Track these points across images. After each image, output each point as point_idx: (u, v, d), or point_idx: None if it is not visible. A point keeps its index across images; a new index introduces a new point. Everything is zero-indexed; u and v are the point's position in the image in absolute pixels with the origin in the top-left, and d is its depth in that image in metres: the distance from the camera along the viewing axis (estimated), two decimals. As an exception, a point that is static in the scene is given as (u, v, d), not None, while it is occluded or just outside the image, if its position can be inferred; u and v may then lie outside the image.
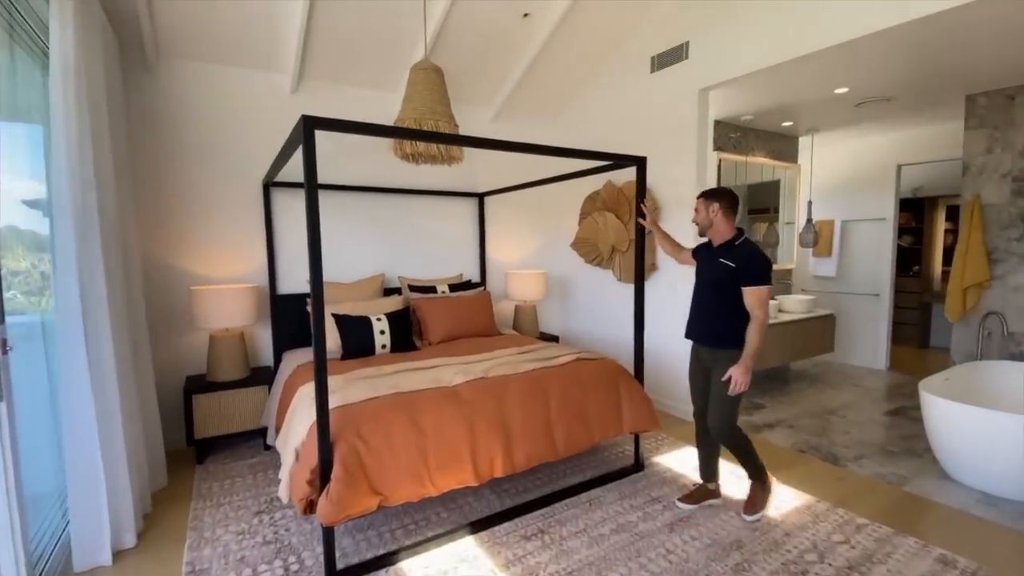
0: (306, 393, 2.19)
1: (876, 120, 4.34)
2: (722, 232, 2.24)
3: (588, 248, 4.31)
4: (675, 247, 2.58)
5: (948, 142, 4.55)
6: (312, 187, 1.69)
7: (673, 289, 3.61)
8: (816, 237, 4.81)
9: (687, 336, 2.36)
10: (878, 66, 3.07)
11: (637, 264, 2.65)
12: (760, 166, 4.63)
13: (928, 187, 5.93)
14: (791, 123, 4.37)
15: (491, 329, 3.54)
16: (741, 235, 2.23)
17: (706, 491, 2.40)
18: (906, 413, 3.74)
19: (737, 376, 2.11)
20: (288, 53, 3.15)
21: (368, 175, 3.70)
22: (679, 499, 2.40)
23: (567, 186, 4.54)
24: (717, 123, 4.26)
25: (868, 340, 5.10)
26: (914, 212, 6.06)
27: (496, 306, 4.32)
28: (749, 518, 2.25)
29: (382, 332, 2.96)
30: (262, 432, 3.02)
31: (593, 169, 2.82)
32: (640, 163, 2.55)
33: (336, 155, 3.56)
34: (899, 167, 4.84)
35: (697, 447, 2.44)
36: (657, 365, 3.74)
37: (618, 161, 2.51)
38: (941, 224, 6.08)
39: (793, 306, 4.51)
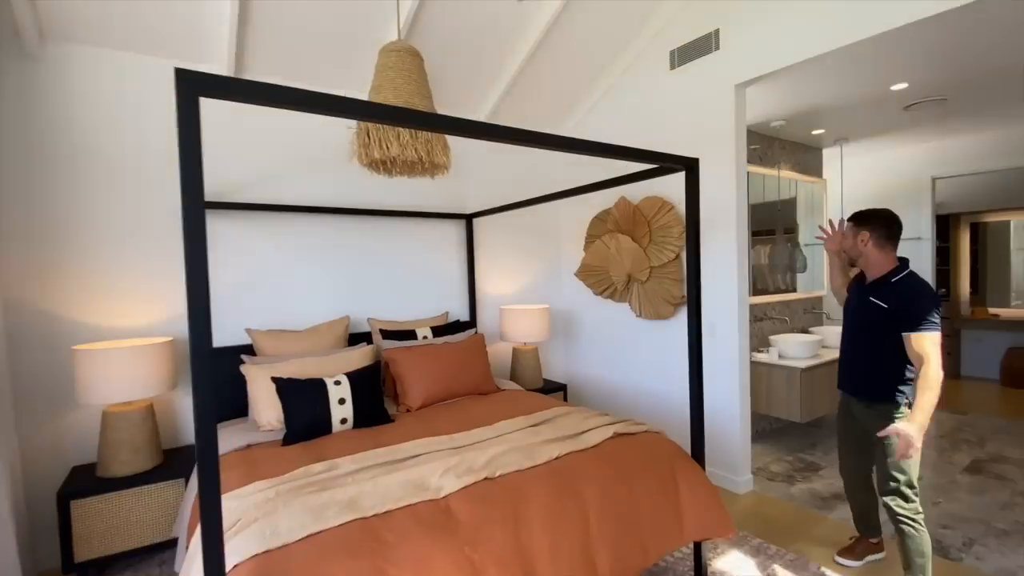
0: (214, 520, 1.40)
1: (911, 128, 3.84)
2: (878, 265, 1.88)
3: (598, 277, 3.63)
4: (846, 280, 2.17)
5: (983, 152, 4.08)
6: (193, 183, 0.96)
7: (711, 329, 2.93)
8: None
9: (839, 387, 2.09)
10: (941, 57, 2.54)
11: (691, 298, 1.96)
12: (778, 182, 4.07)
13: (950, 203, 5.49)
14: (822, 131, 3.84)
15: (487, 384, 2.79)
16: (901, 269, 1.85)
17: (868, 544, 2.18)
18: (987, 469, 3.09)
19: (904, 434, 1.63)
20: (220, 39, 2.44)
21: (332, 193, 2.96)
22: (838, 553, 2.18)
23: (569, 205, 3.90)
24: (741, 131, 3.69)
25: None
26: (939, 230, 5.58)
27: (489, 349, 3.58)
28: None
29: (341, 401, 2.18)
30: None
31: (611, 181, 2.16)
32: (690, 166, 1.90)
33: (291, 168, 2.83)
34: (933, 180, 4.35)
35: (849, 499, 2.20)
36: (692, 422, 3.04)
37: (663, 163, 1.85)
38: (966, 243, 5.62)
39: (835, 340, 3.88)
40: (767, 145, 3.90)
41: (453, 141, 3.26)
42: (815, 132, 3.86)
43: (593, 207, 3.67)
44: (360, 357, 2.50)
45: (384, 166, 2.24)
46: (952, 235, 5.49)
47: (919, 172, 4.38)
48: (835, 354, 3.63)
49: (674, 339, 3.17)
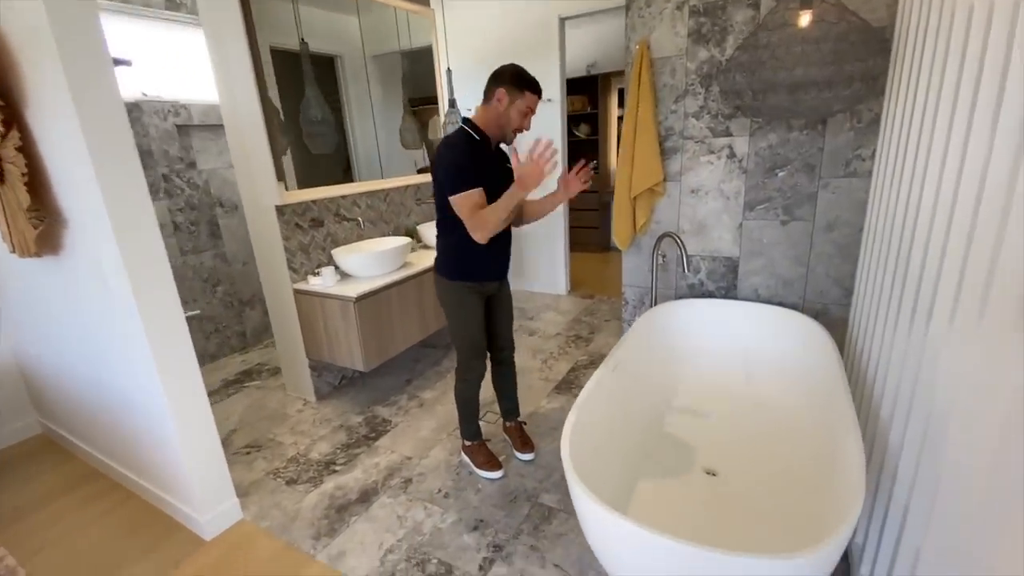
0: None
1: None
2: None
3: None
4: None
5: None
6: None
7: (96, 270, 1.48)
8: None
9: (489, 279, 1.76)
10: None
11: None
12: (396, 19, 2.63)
13: (603, 62, 4.99)
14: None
15: None
16: None
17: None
18: (574, 382, 2.61)
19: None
20: None
21: None
22: (488, 472, 1.89)
23: None
24: None
25: (546, 261, 4.04)
26: (591, 95, 5.13)
27: None
28: (528, 456, 1.99)
29: None
30: None
31: None
32: None
33: None
34: (562, 21, 3.50)
35: (476, 397, 1.92)
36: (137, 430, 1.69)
37: None
38: (614, 110, 5.34)
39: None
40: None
41: None
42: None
43: None
44: None
45: None
46: (601, 101, 5.08)
47: (547, 14, 3.47)
48: (428, 262, 2.65)
49: (78, 287, 1.65)
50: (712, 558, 0.92)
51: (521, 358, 2.90)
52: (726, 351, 2.21)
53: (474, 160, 1.54)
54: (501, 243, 1.74)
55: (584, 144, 5.22)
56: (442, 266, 1.74)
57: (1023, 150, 0.74)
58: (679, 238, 2.05)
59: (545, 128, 3.63)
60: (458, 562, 1.52)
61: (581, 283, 4.29)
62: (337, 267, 2.46)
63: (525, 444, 2.03)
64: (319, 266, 2.49)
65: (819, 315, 2.15)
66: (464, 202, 1.52)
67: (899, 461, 1.10)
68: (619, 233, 2.37)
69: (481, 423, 2.25)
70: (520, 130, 1.60)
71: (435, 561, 1.53)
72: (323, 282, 2.32)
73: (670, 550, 0.95)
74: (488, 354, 1.91)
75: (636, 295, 2.54)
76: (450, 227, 1.64)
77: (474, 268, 1.72)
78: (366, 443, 2.17)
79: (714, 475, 1.67)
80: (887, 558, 1.12)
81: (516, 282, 4.18)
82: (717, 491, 1.61)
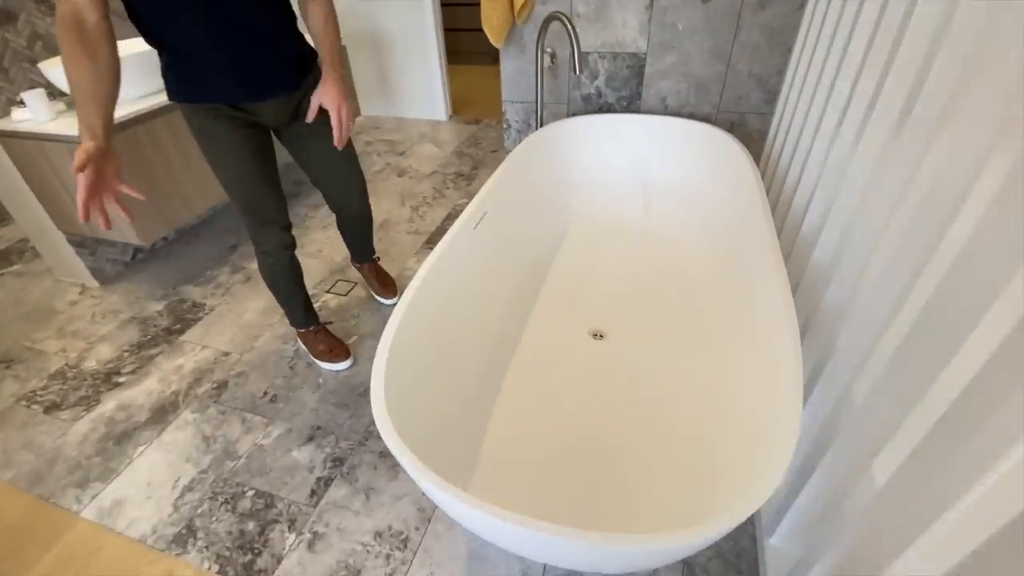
0: None
1: None
2: None
3: None
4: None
5: None
6: None
7: None
8: None
9: (241, 95, 1.06)
10: None
11: None
12: None
13: None
14: None
15: None
16: None
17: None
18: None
19: (341, 101, 1.03)
20: None
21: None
22: (331, 363, 1.46)
23: None
24: None
25: (419, 78, 3.20)
26: None
27: None
28: (391, 301, 1.65)
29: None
30: None
31: None
32: None
33: None
34: None
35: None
36: None
37: None
38: None
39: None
40: None
41: None
42: None
43: None
44: None
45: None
46: None
47: None
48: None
49: None
50: (567, 545, 0.58)
51: (385, 206, 2.33)
52: (623, 180, 1.80)
53: None
54: (240, 28, 0.99)
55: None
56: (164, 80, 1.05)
57: None
58: (569, 22, 1.42)
59: None
60: (282, 490, 1.17)
61: (466, 105, 3.54)
62: (59, 91, 1.59)
63: (385, 285, 1.66)
64: (32, 88, 1.59)
65: (733, 127, 1.75)
66: None
67: (840, 325, 0.78)
68: (490, 19, 1.67)
69: (329, 294, 1.78)
70: None
71: (251, 493, 1.17)
72: (33, 115, 1.48)
73: (512, 533, 0.60)
74: (291, 219, 1.37)
75: (520, 115, 1.96)
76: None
77: (197, 78, 1.01)
78: (167, 339, 1.63)
79: (601, 338, 1.38)
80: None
81: (383, 108, 3.36)
82: (604, 358, 1.32)
